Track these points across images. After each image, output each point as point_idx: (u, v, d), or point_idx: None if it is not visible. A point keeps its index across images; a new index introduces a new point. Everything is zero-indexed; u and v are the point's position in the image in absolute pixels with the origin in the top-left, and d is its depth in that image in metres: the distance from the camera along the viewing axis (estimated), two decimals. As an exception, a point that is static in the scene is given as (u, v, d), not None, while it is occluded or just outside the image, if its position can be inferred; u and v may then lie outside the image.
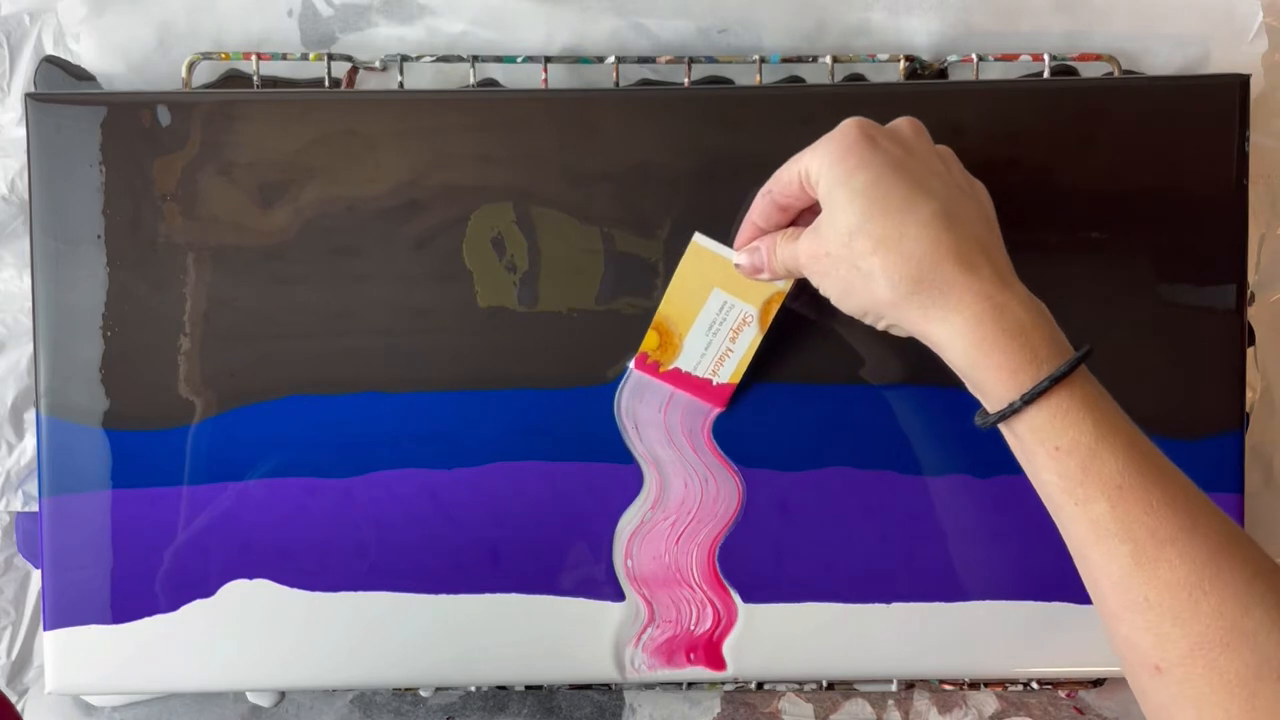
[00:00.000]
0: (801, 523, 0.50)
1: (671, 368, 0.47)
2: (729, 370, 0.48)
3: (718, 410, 0.49)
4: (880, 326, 0.42)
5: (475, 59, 0.52)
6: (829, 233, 0.40)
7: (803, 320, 0.49)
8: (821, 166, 0.40)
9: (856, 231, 0.39)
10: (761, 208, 0.44)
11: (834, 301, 0.42)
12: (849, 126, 0.40)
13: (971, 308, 0.38)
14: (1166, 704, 0.36)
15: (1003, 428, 0.39)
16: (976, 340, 0.38)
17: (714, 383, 0.48)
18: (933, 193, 0.39)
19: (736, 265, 0.46)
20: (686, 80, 0.51)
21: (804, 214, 0.44)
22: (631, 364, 0.48)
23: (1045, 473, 0.37)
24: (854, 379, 0.49)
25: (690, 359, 0.48)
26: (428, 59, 0.52)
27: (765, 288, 0.47)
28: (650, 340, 0.48)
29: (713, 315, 0.47)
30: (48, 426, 0.49)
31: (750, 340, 0.47)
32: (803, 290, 0.47)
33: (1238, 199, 0.49)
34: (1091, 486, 0.36)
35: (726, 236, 0.48)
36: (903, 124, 0.42)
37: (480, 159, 0.49)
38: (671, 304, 0.47)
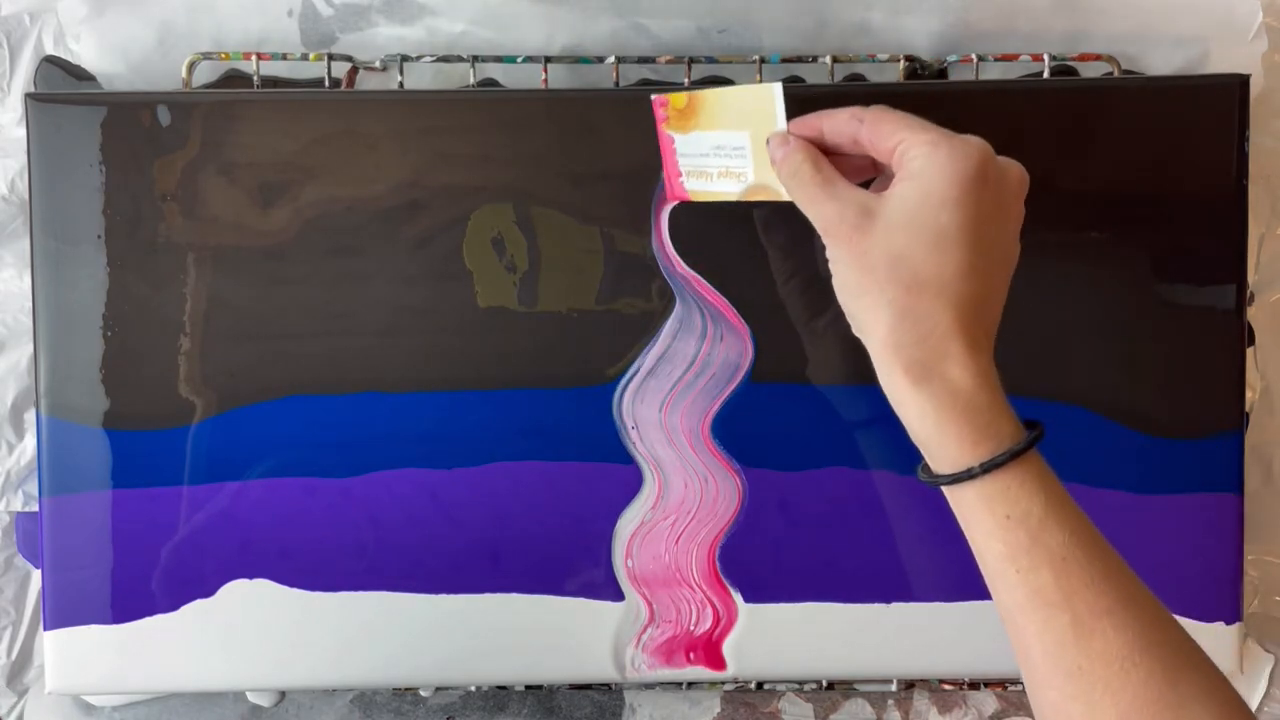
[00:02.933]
0: (801, 523, 0.50)
1: (670, 133, 0.45)
2: (695, 188, 0.46)
3: (717, 408, 0.49)
4: (852, 328, 0.41)
5: (475, 59, 0.52)
6: (880, 237, 0.38)
7: (803, 320, 0.49)
8: (925, 170, 0.38)
9: (909, 261, 0.37)
10: (840, 125, 0.41)
11: (833, 281, 0.40)
12: (976, 153, 0.38)
13: (955, 382, 0.38)
14: None
15: (949, 490, 0.39)
16: (948, 409, 0.38)
17: (679, 180, 0.46)
18: (987, 271, 0.38)
19: (767, 139, 0.42)
20: (686, 80, 0.51)
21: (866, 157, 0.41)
22: (654, 98, 0.45)
23: (990, 539, 0.38)
24: (854, 379, 0.49)
25: (684, 146, 0.45)
26: (428, 59, 0.52)
27: (774, 179, 0.44)
28: (680, 100, 0.45)
29: (727, 144, 0.44)
30: (48, 426, 0.49)
31: (725, 190, 0.45)
32: (792, 274, 0.46)
33: (1238, 199, 0.49)
34: (1038, 556, 0.37)
35: (720, 251, 0.48)
36: (1015, 174, 0.39)
37: (480, 159, 0.49)
38: (716, 101, 0.44)
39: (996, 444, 0.37)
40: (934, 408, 0.38)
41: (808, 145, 0.41)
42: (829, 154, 0.41)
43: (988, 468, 0.37)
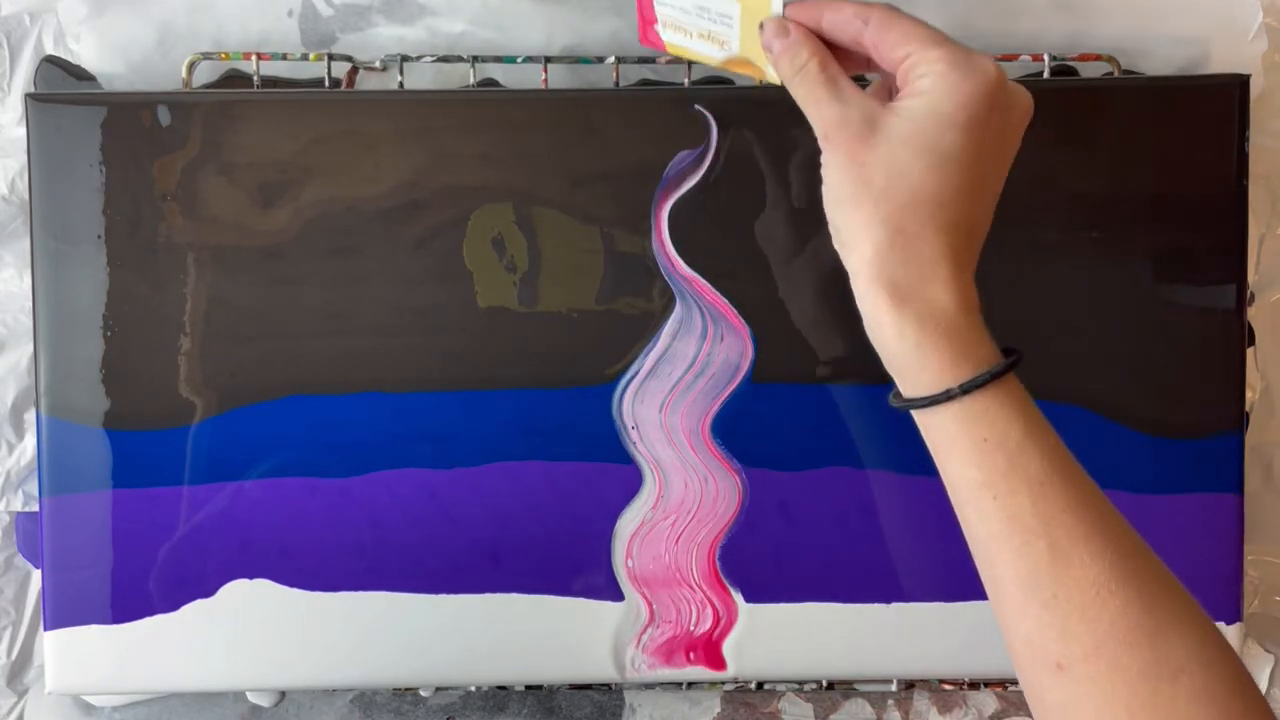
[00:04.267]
0: (801, 523, 0.50)
1: None
2: (671, 40, 0.43)
3: (717, 408, 0.49)
4: (834, 241, 0.39)
5: (475, 59, 0.52)
6: (882, 149, 0.37)
7: (803, 320, 0.49)
8: (934, 89, 0.36)
9: (908, 179, 0.36)
10: (843, 22, 0.38)
11: (825, 188, 0.38)
12: (990, 78, 0.37)
13: (936, 304, 0.37)
14: (1065, 701, 0.36)
15: (924, 414, 0.38)
16: (929, 330, 0.37)
17: (654, 26, 0.43)
18: (981, 197, 0.38)
19: (761, 24, 0.39)
20: (686, 80, 0.51)
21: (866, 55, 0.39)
22: None
23: (965, 465, 0.37)
24: (854, 379, 0.49)
25: None
26: (428, 59, 0.52)
27: (763, 59, 0.40)
28: None
29: (713, 8, 0.41)
30: (48, 426, 0.49)
31: (704, 53, 0.42)
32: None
33: (1238, 199, 0.49)
34: (1016, 480, 0.36)
35: (720, 251, 0.48)
36: (1022, 103, 0.38)
37: (480, 159, 0.49)
38: None
39: (975, 365, 0.37)
40: (915, 329, 0.37)
41: (813, 38, 0.39)
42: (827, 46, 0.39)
43: (967, 388, 0.37)
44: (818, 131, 0.38)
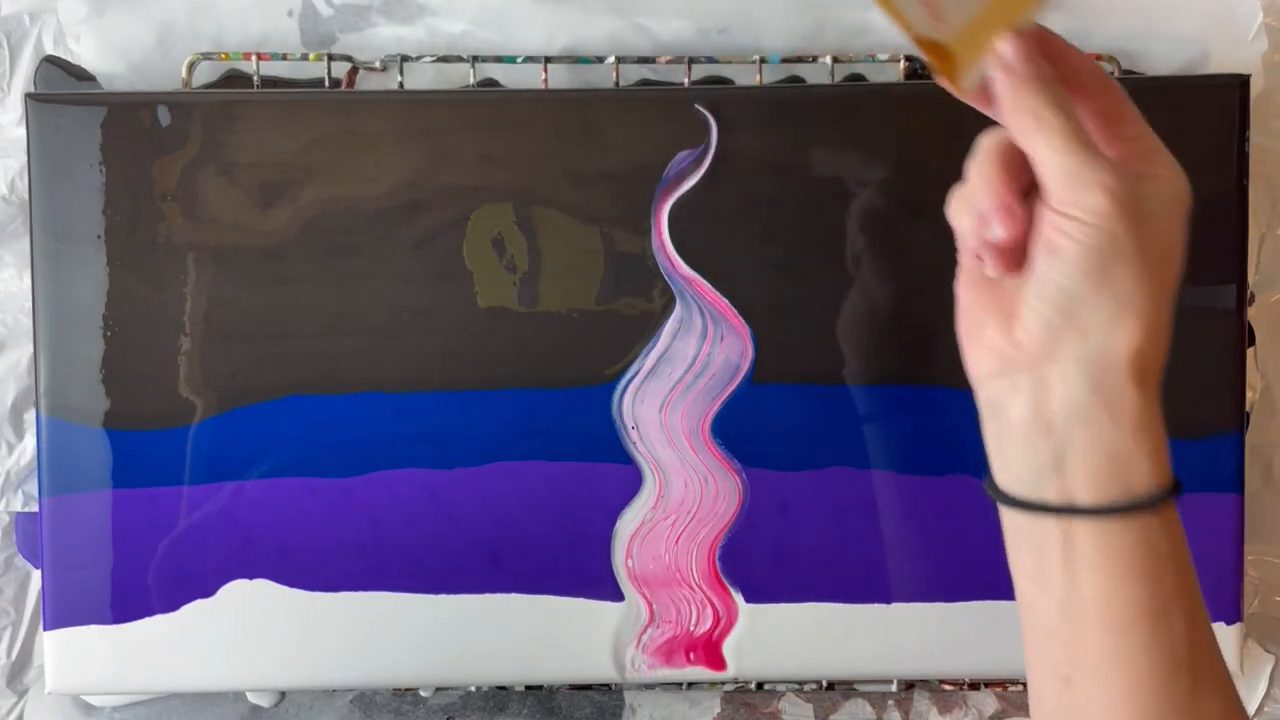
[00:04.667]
0: (801, 523, 0.50)
1: None
2: None
3: (717, 408, 0.49)
4: (1067, 310, 0.33)
5: (475, 59, 0.52)
6: (1163, 226, 0.33)
7: (803, 321, 0.49)
8: (1176, 183, 0.34)
9: (1173, 265, 0.33)
10: (1086, 72, 0.35)
11: (1088, 249, 0.32)
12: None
13: (1155, 398, 0.34)
14: None
15: (1093, 522, 0.33)
16: (1161, 423, 0.34)
17: None
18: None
19: (1015, 29, 0.34)
20: (686, 80, 0.51)
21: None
22: None
23: (1133, 584, 0.32)
24: (854, 379, 0.49)
25: None
26: (428, 59, 0.52)
27: (973, 55, 0.34)
28: None
29: None
30: (48, 426, 0.49)
31: (908, 14, 0.33)
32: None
33: (1238, 199, 0.49)
34: (1177, 603, 0.32)
35: (720, 252, 0.48)
36: None
37: (480, 159, 0.49)
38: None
39: (1165, 463, 0.33)
40: (1157, 421, 0.33)
41: (1050, 79, 0.34)
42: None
43: (1176, 491, 0.33)
44: (1094, 181, 0.32)
